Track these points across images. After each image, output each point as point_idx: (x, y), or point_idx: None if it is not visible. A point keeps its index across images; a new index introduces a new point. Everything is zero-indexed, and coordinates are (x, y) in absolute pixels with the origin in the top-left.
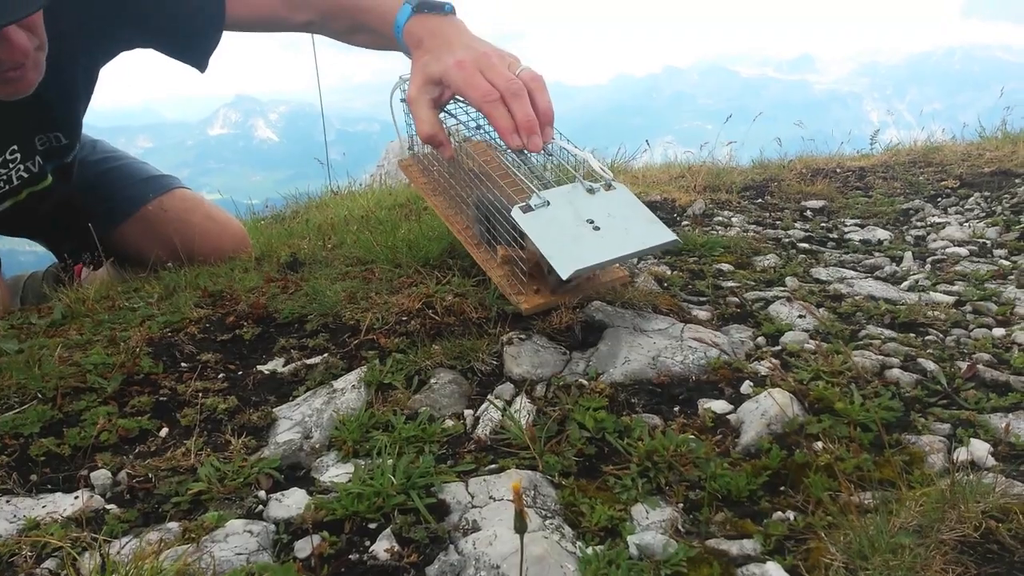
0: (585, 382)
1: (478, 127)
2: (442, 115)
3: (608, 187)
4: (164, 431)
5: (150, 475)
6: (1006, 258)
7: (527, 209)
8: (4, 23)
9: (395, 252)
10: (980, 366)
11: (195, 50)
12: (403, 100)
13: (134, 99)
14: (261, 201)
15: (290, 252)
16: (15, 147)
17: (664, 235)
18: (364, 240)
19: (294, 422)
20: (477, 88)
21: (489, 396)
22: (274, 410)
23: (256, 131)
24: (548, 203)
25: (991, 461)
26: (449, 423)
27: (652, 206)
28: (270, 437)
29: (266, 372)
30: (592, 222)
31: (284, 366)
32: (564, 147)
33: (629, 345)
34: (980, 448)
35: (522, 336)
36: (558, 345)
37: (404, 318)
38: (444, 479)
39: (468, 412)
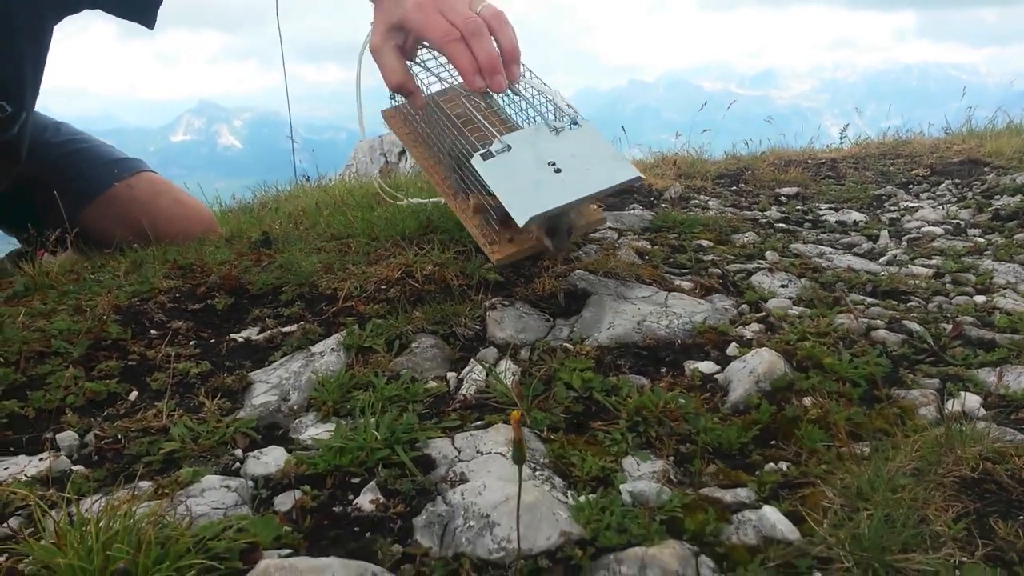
0: (570, 346)
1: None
2: (414, 65)
3: (573, 124)
4: (134, 394)
5: (119, 436)
6: (981, 236)
7: (487, 156)
8: None
9: (372, 227)
10: (966, 326)
11: (143, 5)
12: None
13: (93, 104)
14: (227, 205)
15: (261, 231)
16: None
17: (627, 172)
18: (338, 220)
19: (271, 385)
20: (436, 28)
21: (473, 358)
22: (249, 374)
23: (220, 137)
24: (509, 147)
25: (982, 412)
26: (432, 384)
27: (629, 190)
28: (246, 400)
29: (240, 340)
30: (553, 164)
31: (259, 334)
32: (530, 84)
33: (613, 311)
34: (971, 400)
35: (505, 303)
36: (541, 312)
37: (383, 286)
38: (429, 435)
39: (451, 375)
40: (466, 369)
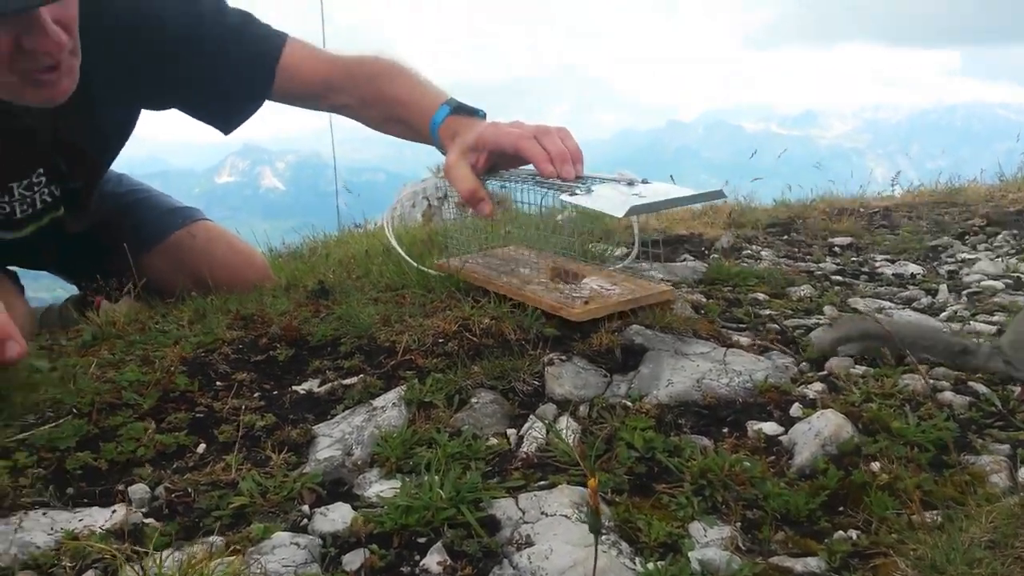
0: (629, 403)
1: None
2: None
3: (645, 182)
4: (202, 447)
5: (189, 489)
6: None
7: (573, 194)
8: (38, 3)
9: (427, 277)
10: None
11: (228, 117)
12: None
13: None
14: (265, 248)
15: (317, 280)
16: (41, 169)
17: (709, 190)
18: (391, 270)
19: (334, 439)
20: (511, 134)
21: (533, 415)
22: (313, 427)
23: (263, 179)
24: (591, 190)
25: None
26: (493, 441)
27: (679, 240)
28: (310, 454)
29: (302, 392)
30: (637, 194)
31: (320, 386)
32: (597, 177)
33: (671, 368)
34: None
35: (563, 358)
36: (598, 367)
37: (441, 339)
38: (493, 494)
39: (511, 431)
40: (526, 426)
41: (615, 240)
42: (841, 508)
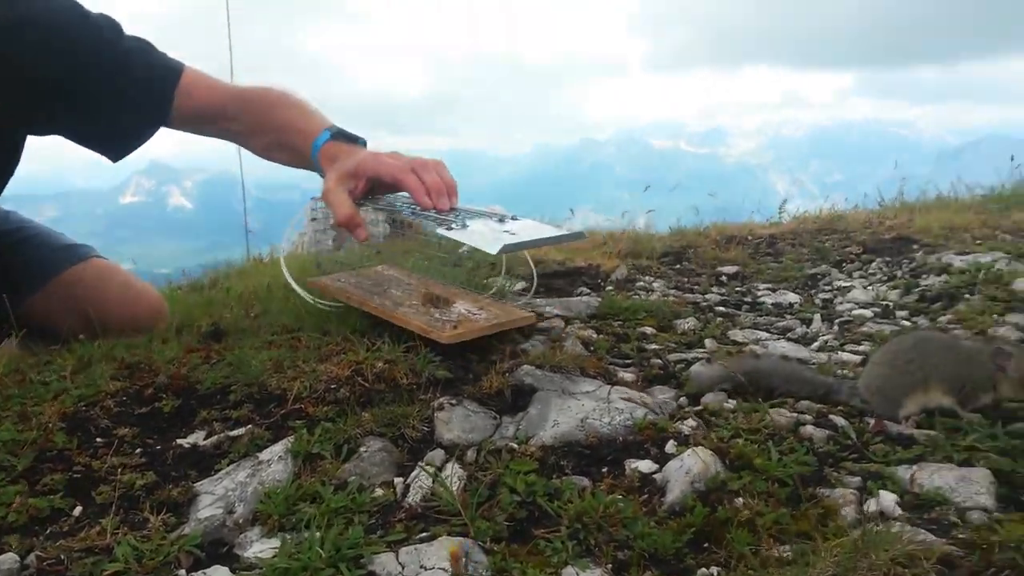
0: (516, 446)
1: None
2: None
3: (514, 219)
4: (78, 510)
5: (62, 556)
6: (907, 319)
7: (449, 228)
8: None
9: (323, 319)
10: (886, 421)
11: (119, 143)
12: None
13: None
14: (175, 270)
15: (211, 321)
16: None
17: (572, 232)
18: (291, 308)
19: (216, 496)
20: (390, 165)
21: (420, 463)
22: (195, 485)
23: (170, 199)
24: (466, 225)
25: (898, 511)
26: (379, 492)
27: (577, 272)
28: (191, 513)
29: (186, 445)
30: (508, 231)
31: (206, 439)
32: (470, 209)
33: (558, 408)
34: (888, 499)
35: (453, 402)
36: (488, 410)
37: (333, 386)
38: (374, 550)
39: (399, 480)
40: (413, 474)
41: (514, 273)
42: (706, 544)
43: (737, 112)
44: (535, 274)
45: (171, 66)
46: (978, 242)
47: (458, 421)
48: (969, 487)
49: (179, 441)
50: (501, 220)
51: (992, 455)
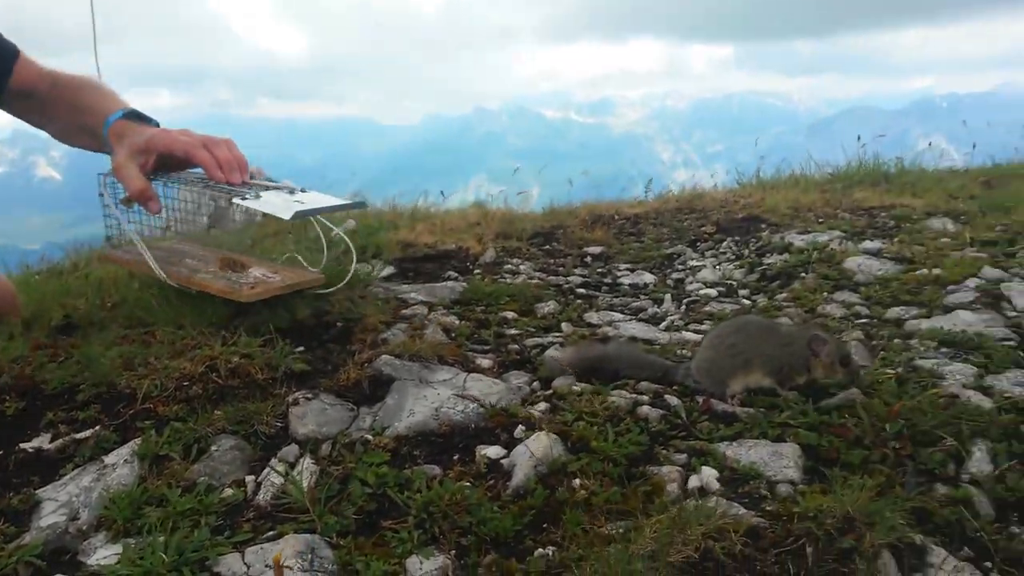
0: (371, 437)
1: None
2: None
3: (303, 191)
4: None
5: None
6: (748, 297)
7: (244, 198)
8: None
9: (179, 313)
10: (713, 400)
11: None
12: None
13: None
14: (46, 245)
15: (63, 314)
16: None
17: (356, 200)
18: (146, 299)
19: (60, 503)
20: (181, 141)
21: (272, 460)
22: (37, 492)
23: (37, 169)
24: (259, 196)
25: (716, 486)
26: (229, 492)
27: (447, 255)
28: (32, 521)
29: (30, 450)
30: (299, 201)
31: (51, 442)
32: (261, 183)
33: (415, 397)
34: (709, 475)
35: (309, 395)
36: (346, 401)
37: (185, 383)
38: (220, 551)
39: (250, 478)
40: (265, 471)
41: (383, 258)
42: (545, 525)
43: (624, 83)
44: (325, 245)
45: (7, 46)
46: (820, 221)
47: (313, 415)
48: (779, 461)
49: (23, 445)
50: (291, 192)
51: (802, 431)
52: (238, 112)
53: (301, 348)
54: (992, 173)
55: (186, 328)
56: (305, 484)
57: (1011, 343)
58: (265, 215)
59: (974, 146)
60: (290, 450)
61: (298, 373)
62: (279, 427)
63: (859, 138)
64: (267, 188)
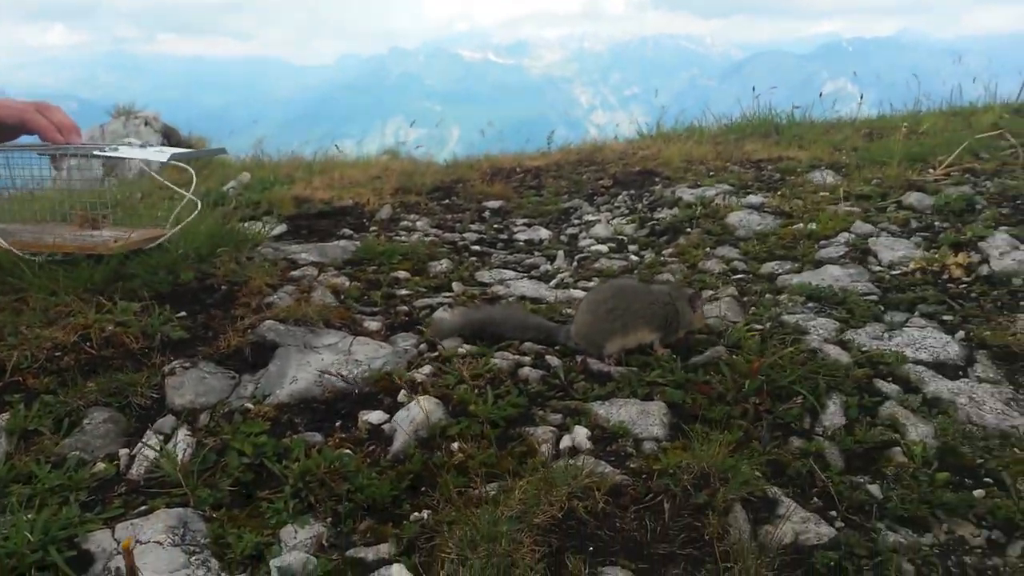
0: (251, 406)
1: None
2: None
3: (150, 145)
4: None
5: None
6: (637, 253)
7: (102, 151)
8: None
9: (52, 278)
10: (589, 360)
11: None
12: None
13: None
14: None
15: None
16: None
17: (216, 148)
18: (18, 264)
19: None
20: (12, 107)
21: (147, 432)
22: None
23: None
24: (117, 148)
25: (587, 444)
26: (101, 466)
27: (343, 212)
28: None
29: None
30: (158, 151)
31: None
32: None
33: (298, 364)
34: (581, 434)
35: (186, 364)
36: (227, 370)
37: (57, 354)
38: (89, 528)
39: (123, 452)
40: (140, 444)
41: (276, 214)
42: (423, 489)
43: (540, 24)
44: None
45: None
46: (711, 174)
47: (191, 384)
48: (647, 419)
49: None
50: (143, 146)
51: (669, 389)
52: (138, 49)
53: (183, 314)
54: (875, 124)
55: (60, 294)
56: (180, 456)
57: (873, 297)
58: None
59: (861, 96)
60: (166, 421)
61: (176, 341)
62: (155, 398)
63: (753, 89)
64: (115, 146)
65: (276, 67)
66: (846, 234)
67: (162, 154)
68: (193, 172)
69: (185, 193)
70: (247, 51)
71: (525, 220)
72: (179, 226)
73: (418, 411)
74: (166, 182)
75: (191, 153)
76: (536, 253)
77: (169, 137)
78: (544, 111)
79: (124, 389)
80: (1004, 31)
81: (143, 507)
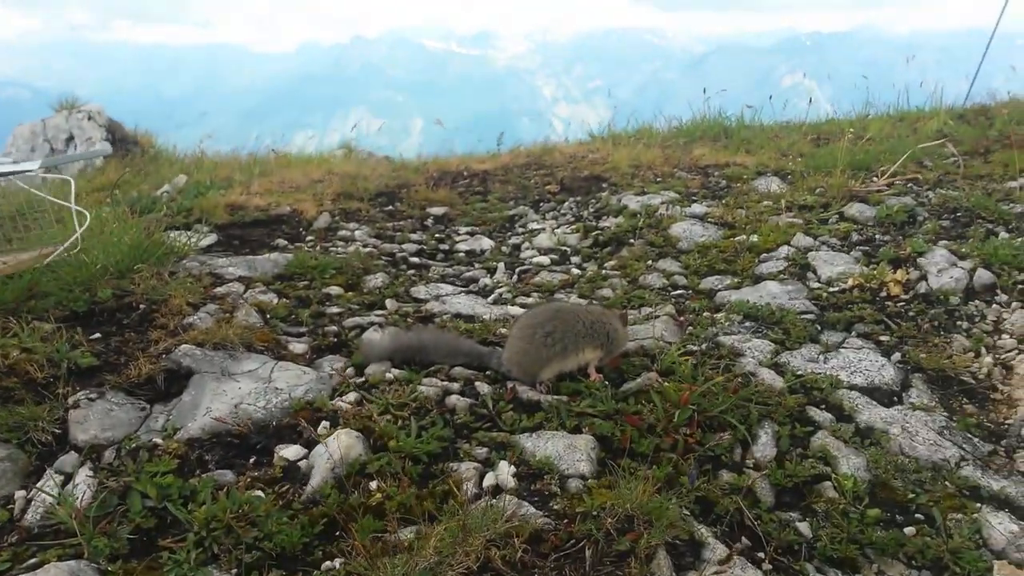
0: (160, 441)
1: None
2: None
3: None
4: None
5: None
6: (579, 266)
7: None
8: None
9: None
10: (519, 387)
11: None
12: None
13: None
14: None
15: None
16: None
17: (97, 149)
18: None
19: None
20: None
21: (46, 472)
22: None
23: None
24: None
25: (512, 482)
26: None
27: (279, 220)
28: None
29: None
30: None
31: None
32: None
33: (213, 393)
34: (504, 470)
35: (92, 396)
36: (137, 400)
37: None
38: None
39: (20, 494)
40: (39, 484)
41: (207, 221)
42: (338, 534)
43: (504, 14)
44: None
45: None
46: (657, 180)
47: (97, 418)
48: (573, 455)
49: None
50: (15, 161)
51: (598, 420)
52: (94, 36)
53: (96, 335)
54: (823, 129)
55: None
56: (79, 500)
57: (810, 316)
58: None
59: (810, 100)
60: (68, 459)
61: (84, 368)
62: (58, 433)
63: (704, 91)
64: None
65: (237, 55)
66: (787, 247)
67: (33, 163)
68: (72, 181)
69: (67, 204)
70: (207, 38)
71: (468, 229)
72: (65, 244)
73: (336, 447)
74: (48, 196)
75: (64, 159)
76: (476, 265)
77: (114, 132)
78: (507, 103)
79: (24, 424)
80: (959, 27)
81: (33, 559)
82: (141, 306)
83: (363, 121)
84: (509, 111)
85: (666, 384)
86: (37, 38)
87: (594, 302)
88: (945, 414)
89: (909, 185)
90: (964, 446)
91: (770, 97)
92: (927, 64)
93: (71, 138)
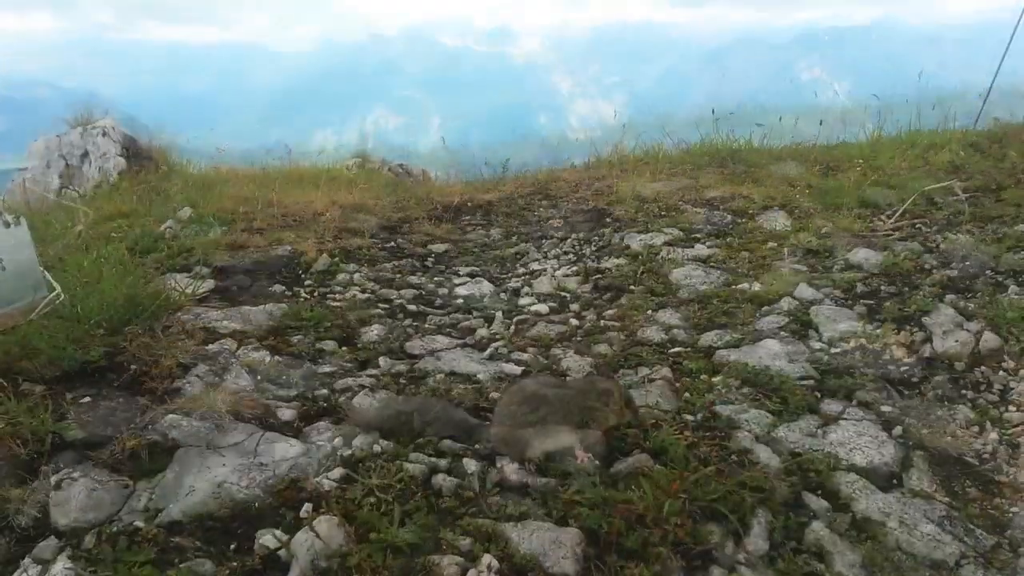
0: (141, 524)
1: None
2: None
3: (7, 225)
4: None
5: None
6: (577, 314)
7: None
8: None
9: None
10: (507, 467)
11: None
12: None
13: None
14: None
15: None
16: None
17: (28, 295)
18: None
19: None
20: None
21: (25, 559)
22: None
23: None
24: None
25: None
26: None
27: (278, 261)
28: None
29: None
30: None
31: None
32: None
33: (197, 470)
34: (486, 566)
35: (75, 474)
36: (121, 476)
37: None
38: None
39: None
40: (15, 574)
41: (206, 262)
42: None
43: (521, 10)
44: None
45: None
46: (662, 215)
47: (79, 499)
48: (559, 551)
49: None
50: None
51: (586, 510)
52: (118, 36)
53: (87, 398)
54: (832, 155)
55: None
56: None
57: (810, 383)
58: None
59: (820, 123)
60: (48, 545)
61: (70, 442)
62: (38, 517)
63: (713, 112)
64: None
65: (257, 53)
66: (789, 299)
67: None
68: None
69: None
70: (227, 36)
71: (468, 270)
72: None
73: (316, 536)
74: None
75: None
76: (475, 313)
77: (128, 147)
78: (526, 99)
79: (4, 507)
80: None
81: None
82: (132, 367)
83: (382, 119)
84: (527, 107)
85: (657, 468)
86: (64, 37)
87: (592, 373)
88: (947, 499)
89: (918, 226)
90: (965, 539)
91: (779, 119)
92: (947, 57)
93: (86, 154)
